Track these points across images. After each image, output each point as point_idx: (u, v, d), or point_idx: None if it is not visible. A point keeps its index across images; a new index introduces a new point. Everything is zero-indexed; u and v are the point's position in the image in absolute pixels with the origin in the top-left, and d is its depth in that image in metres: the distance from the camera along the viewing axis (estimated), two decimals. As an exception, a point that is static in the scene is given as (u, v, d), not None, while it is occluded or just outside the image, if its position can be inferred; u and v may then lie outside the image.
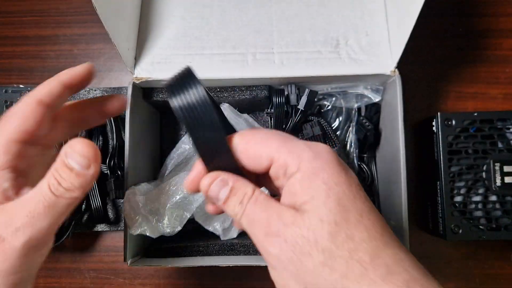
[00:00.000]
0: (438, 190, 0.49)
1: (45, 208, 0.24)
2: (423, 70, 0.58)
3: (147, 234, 0.44)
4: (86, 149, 0.26)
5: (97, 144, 0.53)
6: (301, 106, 0.50)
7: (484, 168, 0.48)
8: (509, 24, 0.58)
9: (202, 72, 0.49)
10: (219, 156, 0.26)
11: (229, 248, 0.50)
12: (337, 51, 0.50)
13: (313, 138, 0.50)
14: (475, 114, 0.48)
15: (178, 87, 0.24)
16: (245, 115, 0.53)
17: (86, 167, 0.25)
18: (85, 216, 0.55)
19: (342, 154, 0.52)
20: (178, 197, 0.45)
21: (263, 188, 0.28)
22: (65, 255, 0.56)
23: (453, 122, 0.48)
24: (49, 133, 0.30)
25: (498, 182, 0.48)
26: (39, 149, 0.30)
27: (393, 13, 0.50)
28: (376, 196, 0.53)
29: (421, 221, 0.55)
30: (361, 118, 0.53)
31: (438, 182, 0.49)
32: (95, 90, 0.57)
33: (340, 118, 0.53)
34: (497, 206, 0.48)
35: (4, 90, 0.59)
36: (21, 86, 0.60)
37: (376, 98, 0.52)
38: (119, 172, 0.52)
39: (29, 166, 0.29)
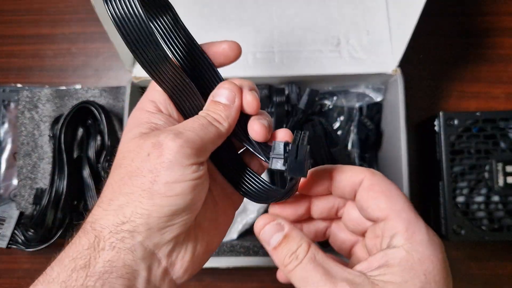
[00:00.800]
0: (440, 190, 0.48)
1: (200, 125, 0.26)
2: (425, 69, 0.57)
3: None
4: (231, 86, 0.27)
5: (94, 143, 0.53)
6: (302, 105, 0.49)
7: (487, 168, 0.48)
8: (511, 22, 0.58)
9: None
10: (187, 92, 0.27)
11: (229, 249, 0.50)
12: (338, 50, 0.49)
13: (314, 137, 0.50)
14: (478, 113, 0.48)
15: None
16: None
17: (232, 100, 0.27)
18: (84, 216, 0.54)
19: (344, 154, 0.52)
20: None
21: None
22: (64, 256, 0.56)
23: (455, 121, 0.48)
24: None
25: (501, 182, 0.47)
26: None
27: (394, 12, 0.49)
28: (377, 197, 0.53)
29: (422, 222, 0.54)
30: (363, 117, 0.52)
31: (440, 182, 0.48)
32: (93, 89, 0.56)
33: (341, 118, 0.53)
34: (500, 206, 0.47)
35: (2, 90, 0.59)
36: (19, 85, 0.59)
37: (377, 98, 0.51)
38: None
39: None
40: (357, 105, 0.52)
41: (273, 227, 0.25)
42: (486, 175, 0.48)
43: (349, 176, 0.26)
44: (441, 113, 0.48)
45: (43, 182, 0.55)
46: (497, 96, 0.57)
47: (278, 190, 0.28)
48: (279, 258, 0.24)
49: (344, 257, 0.30)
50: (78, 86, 0.59)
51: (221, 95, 0.27)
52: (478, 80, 0.57)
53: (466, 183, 0.48)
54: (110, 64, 0.60)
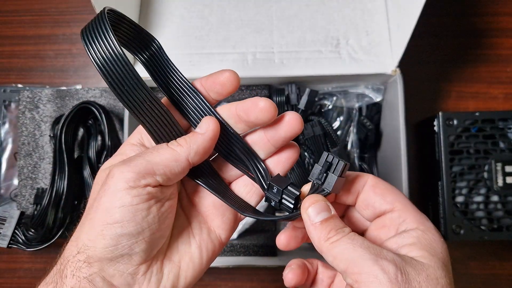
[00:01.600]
0: (440, 190, 0.49)
1: (153, 149, 0.26)
2: (424, 69, 0.58)
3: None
4: (207, 118, 0.27)
5: (95, 143, 0.53)
6: (301, 105, 0.50)
7: (486, 168, 0.48)
8: (510, 23, 0.58)
9: (202, 72, 0.49)
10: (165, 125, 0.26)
11: (229, 248, 0.50)
12: (337, 50, 0.50)
13: (313, 138, 0.50)
14: (477, 114, 0.48)
15: (92, 36, 0.22)
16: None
17: (203, 129, 0.26)
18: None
19: (343, 154, 0.52)
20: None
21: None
22: (64, 255, 0.56)
23: (455, 121, 0.48)
24: None
25: (500, 182, 0.47)
26: None
27: (393, 13, 0.49)
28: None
29: (422, 222, 0.54)
30: (362, 117, 0.52)
31: (440, 182, 0.49)
32: (94, 90, 0.57)
33: (341, 118, 0.53)
34: (499, 206, 0.48)
35: (3, 90, 0.59)
36: (19, 85, 0.60)
37: (377, 98, 0.51)
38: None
39: None
40: (356, 105, 0.53)
41: (323, 205, 0.26)
42: (485, 175, 0.48)
43: (355, 181, 0.29)
44: (440, 113, 0.48)
45: (44, 182, 0.55)
46: (496, 96, 0.57)
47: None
48: (323, 231, 0.25)
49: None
50: (78, 87, 0.59)
51: (198, 126, 0.27)
52: (477, 81, 0.57)
53: (465, 183, 0.48)
54: (110, 65, 0.60)
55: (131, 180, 0.24)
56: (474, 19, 0.59)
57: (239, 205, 0.28)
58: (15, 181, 0.57)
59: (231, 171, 0.30)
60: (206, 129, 0.26)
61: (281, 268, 0.49)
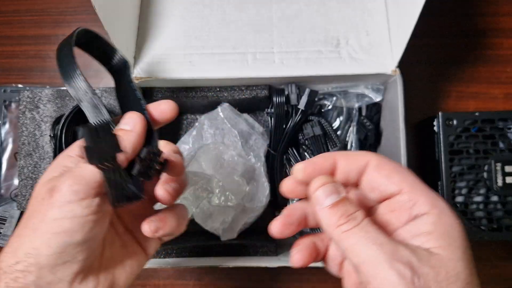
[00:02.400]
0: (439, 190, 0.49)
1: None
2: (424, 69, 0.58)
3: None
4: (133, 114, 0.29)
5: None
6: (301, 105, 0.50)
7: (486, 168, 0.48)
8: (510, 23, 0.58)
9: (202, 72, 0.49)
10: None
11: (229, 248, 0.50)
12: (337, 50, 0.50)
13: (313, 138, 0.50)
14: (477, 114, 0.48)
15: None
16: (245, 115, 0.53)
17: (132, 126, 0.28)
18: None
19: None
20: (177, 197, 0.45)
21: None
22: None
23: (454, 122, 0.48)
24: None
25: (500, 182, 0.47)
26: None
27: (393, 13, 0.49)
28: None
29: (422, 222, 0.54)
30: (362, 118, 0.52)
31: (439, 182, 0.49)
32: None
33: (341, 118, 0.53)
34: (499, 206, 0.48)
35: (3, 90, 0.59)
36: (20, 85, 0.60)
37: (377, 98, 0.51)
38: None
39: None
40: (356, 105, 0.53)
41: (332, 187, 0.24)
42: (485, 175, 0.48)
43: (355, 160, 0.26)
44: (440, 114, 0.48)
45: (44, 182, 0.55)
46: (495, 96, 0.57)
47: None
48: (333, 217, 0.24)
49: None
50: (79, 87, 0.59)
51: (124, 123, 0.28)
52: (477, 81, 0.57)
53: (465, 183, 0.48)
54: (110, 65, 0.60)
55: (80, 192, 0.25)
56: (474, 19, 0.59)
57: None
58: (16, 181, 0.57)
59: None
60: (135, 125, 0.28)
61: (281, 268, 0.49)
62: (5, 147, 0.58)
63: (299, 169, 0.26)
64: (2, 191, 0.58)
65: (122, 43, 0.46)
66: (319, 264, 0.31)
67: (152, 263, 0.46)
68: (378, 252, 0.22)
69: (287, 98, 0.51)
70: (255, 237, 0.51)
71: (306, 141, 0.50)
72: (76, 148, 0.29)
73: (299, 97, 0.50)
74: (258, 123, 0.54)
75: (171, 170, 0.29)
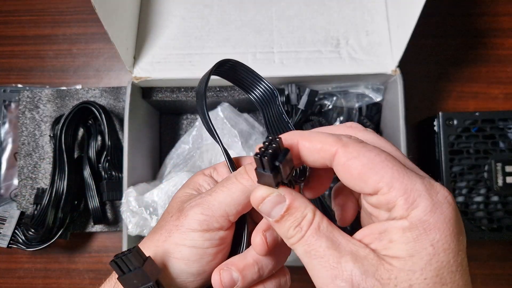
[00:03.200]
0: (439, 190, 0.48)
1: (222, 187, 0.26)
2: (424, 69, 0.58)
3: (146, 235, 0.44)
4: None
5: (95, 143, 0.53)
6: (301, 105, 0.50)
7: (486, 168, 0.48)
8: (510, 23, 0.58)
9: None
10: None
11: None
12: (337, 50, 0.50)
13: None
14: (477, 114, 0.48)
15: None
16: (245, 115, 0.53)
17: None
18: (84, 217, 0.54)
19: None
20: (177, 197, 0.45)
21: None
22: (64, 255, 0.56)
23: (455, 122, 0.48)
24: None
25: (500, 182, 0.47)
26: None
27: (393, 13, 0.49)
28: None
29: (422, 222, 0.54)
30: (362, 118, 0.52)
31: (439, 182, 0.48)
32: (94, 90, 0.57)
33: (341, 118, 0.53)
34: (499, 206, 0.48)
35: (3, 90, 0.59)
36: (19, 85, 0.60)
37: (377, 98, 0.51)
38: (114, 173, 0.52)
39: None
40: (356, 105, 0.52)
41: (273, 199, 0.23)
42: (485, 175, 0.48)
43: (317, 152, 0.23)
44: (440, 114, 0.48)
45: (44, 182, 0.55)
46: (496, 96, 0.57)
47: None
48: (282, 231, 0.23)
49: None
50: (78, 87, 0.59)
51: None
52: (477, 81, 0.57)
53: (465, 183, 0.48)
54: (110, 65, 0.60)
55: (204, 223, 0.25)
56: (474, 19, 0.59)
57: None
58: (15, 181, 0.57)
59: None
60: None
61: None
62: (4, 147, 0.58)
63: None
64: (2, 191, 0.57)
65: (122, 43, 0.46)
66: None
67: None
68: (319, 267, 0.21)
69: (287, 98, 0.51)
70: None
71: (306, 141, 0.50)
72: (211, 168, 0.29)
73: (299, 97, 0.50)
74: (258, 123, 0.54)
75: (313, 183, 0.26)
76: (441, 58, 0.58)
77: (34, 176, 0.55)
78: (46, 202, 0.50)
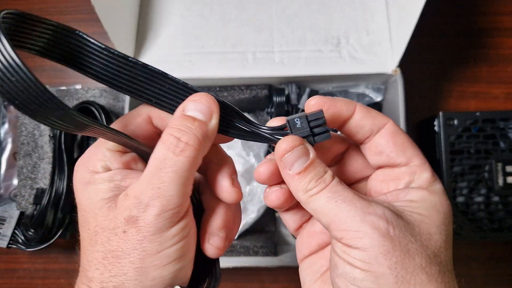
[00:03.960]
0: (440, 191, 0.48)
1: (168, 175, 0.22)
2: (425, 69, 0.57)
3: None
4: (208, 99, 0.23)
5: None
6: (301, 105, 0.50)
7: (486, 168, 0.48)
8: (511, 23, 0.58)
9: (202, 71, 0.49)
10: None
11: (229, 249, 0.50)
12: (338, 50, 0.49)
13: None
14: (477, 113, 0.48)
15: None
16: (245, 114, 0.53)
17: (209, 116, 0.23)
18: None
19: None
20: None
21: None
22: (63, 256, 0.56)
23: (455, 121, 0.48)
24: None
25: (501, 183, 0.47)
26: None
27: (394, 12, 0.49)
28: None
29: (422, 222, 0.54)
30: (362, 117, 0.52)
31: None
32: (93, 90, 0.56)
33: (341, 118, 0.53)
34: (500, 206, 0.47)
35: (2, 90, 0.59)
36: (19, 85, 0.59)
37: (377, 98, 0.51)
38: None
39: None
40: (357, 105, 0.52)
41: (299, 151, 0.23)
42: (486, 175, 0.48)
43: (373, 117, 0.25)
44: (441, 113, 0.48)
45: (43, 182, 0.55)
46: (496, 96, 0.57)
47: None
48: (302, 183, 0.23)
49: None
50: (78, 86, 0.59)
51: (193, 109, 0.23)
52: (477, 80, 0.57)
53: (466, 183, 0.48)
54: (110, 64, 0.60)
55: (171, 218, 0.22)
56: (475, 18, 0.58)
57: None
58: (15, 181, 0.57)
59: None
60: (211, 115, 0.23)
61: (282, 269, 0.49)
62: (4, 147, 0.58)
63: (315, 103, 0.25)
64: (2, 191, 0.57)
65: (122, 42, 0.46)
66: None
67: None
68: (348, 208, 0.22)
69: (287, 97, 0.50)
70: (255, 238, 0.51)
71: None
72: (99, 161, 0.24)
73: (299, 96, 0.50)
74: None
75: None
76: (441, 58, 0.58)
77: (33, 176, 0.55)
78: (45, 202, 0.50)
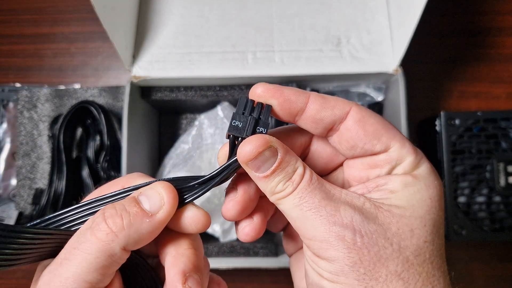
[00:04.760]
0: (441, 191, 0.48)
1: (74, 252, 0.20)
2: (425, 68, 0.57)
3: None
4: (165, 191, 0.22)
5: (94, 143, 0.53)
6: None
7: (488, 168, 0.47)
8: (512, 22, 0.58)
9: (202, 71, 0.49)
10: None
11: (229, 250, 0.49)
12: (338, 49, 0.49)
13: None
14: (479, 113, 0.48)
15: None
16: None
17: (157, 208, 0.21)
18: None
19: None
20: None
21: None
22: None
23: (457, 121, 0.48)
24: None
25: (502, 183, 0.47)
26: None
27: (395, 11, 0.49)
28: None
29: (423, 222, 0.54)
30: (363, 117, 0.52)
31: (441, 183, 0.48)
32: (92, 89, 0.56)
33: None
34: (501, 207, 0.47)
35: (1, 89, 0.59)
36: (18, 85, 0.59)
37: (378, 97, 0.51)
38: (112, 173, 0.51)
39: None
40: (357, 104, 0.52)
41: (269, 153, 0.21)
42: (488, 175, 0.47)
43: (332, 106, 0.22)
44: (442, 113, 0.48)
45: (42, 182, 0.55)
46: (498, 95, 0.56)
47: None
48: (270, 186, 0.21)
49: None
50: (77, 86, 0.58)
51: (147, 195, 0.22)
52: (479, 80, 0.57)
53: (467, 183, 0.48)
54: (109, 64, 0.60)
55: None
56: (476, 18, 0.58)
57: None
58: (13, 181, 0.57)
59: None
60: (159, 208, 0.22)
61: (282, 270, 0.48)
62: (2, 147, 0.58)
63: (261, 91, 0.23)
64: (0, 191, 0.57)
65: (121, 42, 0.46)
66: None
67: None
68: (314, 217, 0.20)
69: (288, 97, 0.50)
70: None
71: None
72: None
73: (299, 96, 0.50)
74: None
75: None
76: (443, 57, 0.57)
77: (32, 176, 0.55)
78: (44, 202, 0.50)
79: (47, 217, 0.22)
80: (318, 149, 0.25)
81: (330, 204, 0.21)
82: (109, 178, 0.51)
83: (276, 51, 0.50)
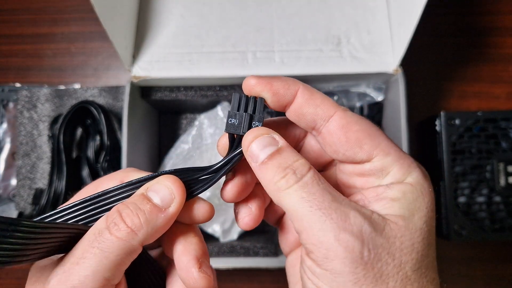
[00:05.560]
0: (441, 191, 0.48)
1: (93, 251, 0.20)
2: (426, 68, 0.57)
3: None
4: (173, 184, 0.22)
5: (94, 143, 0.53)
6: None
7: (488, 168, 0.47)
8: (512, 22, 0.58)
9: (202, 71, 0.49)
10: None
11: (229, 250, 0.49)
12: (338, 49, 0.49)
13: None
14: (479, 113, 0.48)
15: None
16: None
17: (168, 203, 0.21)
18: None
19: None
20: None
21: None
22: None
23: (457, 121, 0.48)
24: None
25: (502, 183, 0.47)
26: None
27: (395, 11, 0.49)
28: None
29: (423, 222, 0.54)
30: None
31: (441, 183, 0.48)
32: (92, 89, 0.56)
33: (342, 118, 0.53)
34: (501, 207, 0.47)
35: (1, 89, 0.58)
36: (17, 85, 0.59)
37: (378, 97, 0.51)
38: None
39: None
40: (358, 104, 0.52)
41: (265, 140, 0.21)
42: (488, 175, 0.47)
43: (317, 105, 0.22)
44: (442, 113, 0.48)
45: (42, 182, 0.55)
46: (498, 95, 0.56)
47: None
48: (269, 172, 0.20)
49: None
50: (77, 86, 0.58)
51: (155, 190, 0.22)
52: (479, 80, 0.57)
53: (468, 183, 0.47)
54: (109, 64, 0.60)
55: None
56: (476, 17, 0.58)
57: None
58: (13, 181, 0.57)
59: None
60: (170, 202, 0.22)
61: (282, 270, 0.48)
62: (2, 147, 0.58)
63: (255, 83, 0.22)
64: (0, 191, 0.57)
65: (121, 42, 0.46)
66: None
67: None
68: (324, 219, 0.19)
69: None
70: (256, 238, 0.51)
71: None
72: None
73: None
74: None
75: None
76: (443, 57, 0.57)
77: (32, 176, 0.55)
78: (44, 203, 0.50)
79: (49, 214, 0.22)
80: (311, 142, 0.25)
81: (340, 208, 0.19)
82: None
83: (276, 51, 0.50)
